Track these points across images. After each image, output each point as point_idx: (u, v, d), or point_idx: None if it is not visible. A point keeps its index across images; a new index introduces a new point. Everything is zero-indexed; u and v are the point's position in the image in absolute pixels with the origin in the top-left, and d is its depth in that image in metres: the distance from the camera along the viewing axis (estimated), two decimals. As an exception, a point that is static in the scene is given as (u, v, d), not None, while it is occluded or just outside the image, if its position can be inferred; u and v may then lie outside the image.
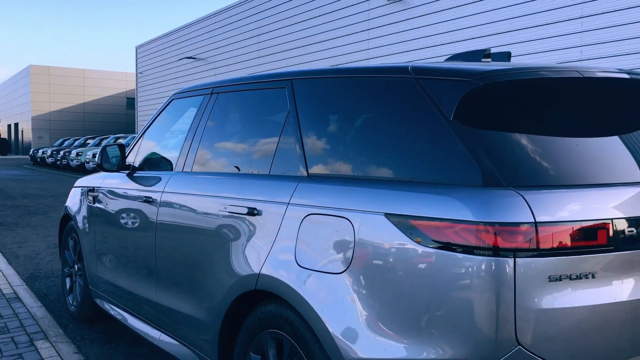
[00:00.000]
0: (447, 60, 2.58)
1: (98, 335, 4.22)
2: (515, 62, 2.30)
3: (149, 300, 3.25)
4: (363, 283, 1.87)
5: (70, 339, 4.09)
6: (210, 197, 2.71)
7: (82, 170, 23.88)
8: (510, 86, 1.90)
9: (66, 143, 32.44)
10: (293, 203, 2.22)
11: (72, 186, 4.80)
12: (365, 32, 19.78)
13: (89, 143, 28.55)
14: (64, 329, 4.31)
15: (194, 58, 29.66)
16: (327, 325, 1.93)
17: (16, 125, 58.89)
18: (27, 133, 54.31)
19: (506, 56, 2.50)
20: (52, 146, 33.69)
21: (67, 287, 4.74)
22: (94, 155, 22.91)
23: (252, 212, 2.39)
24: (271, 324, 2.23)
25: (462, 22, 16.22)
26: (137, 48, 36.65)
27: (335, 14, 20.91)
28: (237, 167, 2.74)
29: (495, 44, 15.28)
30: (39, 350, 3.80)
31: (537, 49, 14.35)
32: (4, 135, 61.89)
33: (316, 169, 2.26)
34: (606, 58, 13.05)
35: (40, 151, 32.15)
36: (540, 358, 1.60)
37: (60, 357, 3.70)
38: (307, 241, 2.11)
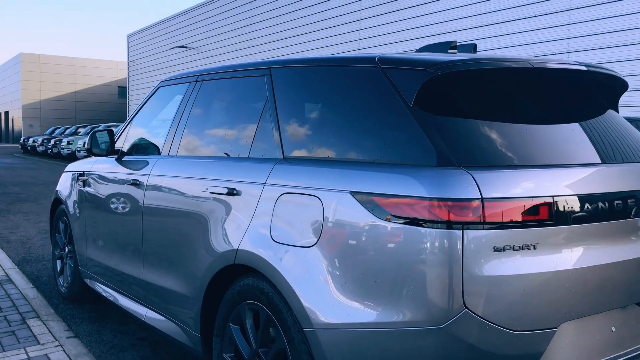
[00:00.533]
0: (417, 51, 2.74)
1: (87, 315, 4.38)
2: (480, 53, 2.46)
3: (136, 278, 3.41)
4: (330, 255, 2.05)
5: (61, 317, 4.25)
6: (193, 179, 2.87)
7: (73, 158, 23.92)
8: (465, 75, 2.07)
9: (57, 132, 32.38)
10: (269, 183, 2.38)
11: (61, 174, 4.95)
12: (356, 22, 19.89)
13: (80, 132, 28.52)
14: (54, 308, 4.46)
15: (186, 47, 29.64)
16: (297, 294, 2.10)
17: (6, 113, 58.56)
18: (17, 121, 54.04)
19: (471, 48, 2.66)
20: (43, 135, 33.60)
21: (58, 269, 4.89)
22: (85, 144, 22.94)
23: (231, 192, 2.56)
24: (248, 296, 2.40)
25: (452, 13, 16.36)
26: (128, 37, 36.52)
27: (326, 4, 20.99)
28: (219, 151, 2.90)
29: (484, 36, 15.45)
30: (31, 327, 3.96)
31: (525, 41, 14.53)
32: (-6, 124, 61.50)
33: (291, 152, 2.43)
34: (593, 50, 13.26)
35: (31, 140, 32.07)
36: (485, 320, 1.78)
37: (51, 334, 3.85)
38: (281, 218, 2.28)
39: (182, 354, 3.64)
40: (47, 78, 51.68)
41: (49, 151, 28.09)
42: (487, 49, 15.12)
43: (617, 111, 2.68)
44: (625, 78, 2.57)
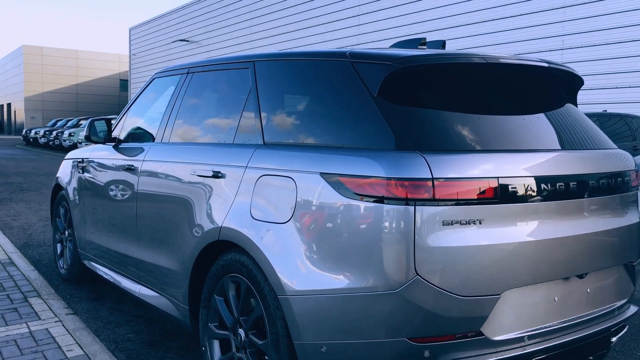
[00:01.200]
0: (391, 47, 2.96)
1: (86, 294, 4.62)
2: (443, 50, 2.68)
3: (131, 258, 3.65)
4: (302, 230, 2.27)
5: (61, 296, 4.49)
6: (183, 164, 3.10)
7: (75, 150, 24.09)
8: (423, 69, 2.29)
9: (59, 124, 32.60)
10: (250, 166, 2.61)
11: None
12: (356, 17, 20.07)
13: (82, 124, 28.73)
14: (55, 288, 4.70)
15: (187, 40, 29.83)
16: (273, 266, 2.33)
17: (9, 105, 58.80)
18: (19, 113, 54.29)
19: (440, 44, 2.87)
20: (45, 126, 33.82)
21: (58, 252, 5.13)
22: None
23: (216, 174, 2.79)
24: (231, 269, 2.63)
25: (450, 9, 16.55)
26: (130, 30, 36.71)
27: (326, -1, 21.15)
28: (206, 138, 3.13)
29: (480, 32, 15.64)
30: (32, 305, 4.20)
31: (519, 38, 14.71)
32: (-3, 116, 61.77)
33: (270, 138, 2.66)
34: (587, 47, 13.44)
35: (33, 131, 32.30)
36: (435, 285, 2.01)
37: (51, 311, 4.09)
38: (260, 197, 2.51)
39: (174, 330, 3.87)
40: (50, 70, 51.90)
41: (50, 143, 28.32)
42: (484, 45, 15.32)
43: (576, 104, 2.90)
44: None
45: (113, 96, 52.61)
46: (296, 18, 22.53)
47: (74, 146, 24.50)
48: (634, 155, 7.73)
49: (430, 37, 15.90)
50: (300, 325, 2.22)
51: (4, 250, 5.93)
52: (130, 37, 36.68)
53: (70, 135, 25.56)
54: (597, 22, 13.30)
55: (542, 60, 2.62)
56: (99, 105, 51.52)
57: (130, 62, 36.61)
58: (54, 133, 27.96)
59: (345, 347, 2.13)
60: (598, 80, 13.14)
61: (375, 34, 19.03)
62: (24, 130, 35.09)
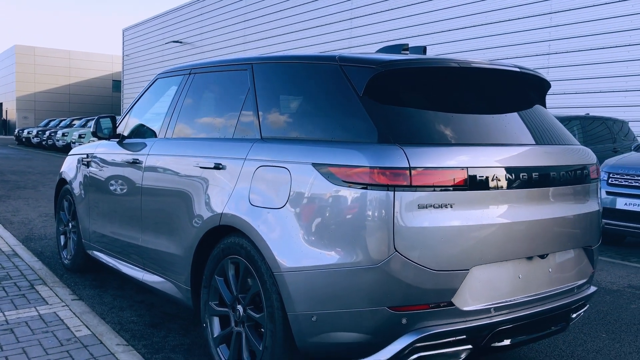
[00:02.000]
0: (377, 52, 3.26)
1: (89, 282, 4.88)
2: (423, 55, 2.98)
3: (135, 246, 3.92)
4: (295, 214, 2.56)
5: (66, 284, 4.75)
6: (186, 157, 3.38)
7: (68, 150, 24.18)
8: (404, 72, 2.59)
9: (52, 124, 32.68)
10: (249, 158, 2.90)
11: (58, 164, 5.46)
12: (348, 21, 20.40)
13: (74, 124, 28.87)
14: (59, 277, 4.96)
15: (180, 42, 30.05)
16: (269, 246, 2.61)
17: (0, 105, 58.67)
18: (11, 113, 54.18)
19: (421, 50, 3.17)
20: (38, 126, 33.89)
21: (62, 243, 5.38)
22: (80, 136, 23.30)
23: (218, 166, 3.07)
24: (231, 251, 2.91)
25: (440, 14, 16.91)
26: (124, 31, 36.86)
27: (319, 2, 21.47)
28: (208, 133, 3.42)
29: (470, 36, 16.02)
30: (39, 292, 4.46)
31: (508, 43, 15.10)
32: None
33: (267, 133, 2.94)
34: (573, 52, 13.83)
35: (26, 131, 32.36)
36: (411, 260, 2.30)
37: (58, 297, 4.35)
38: (257, 186, 2.79)
39: (174, 313, 4.14)
40: (42, 70, 51.87)
41: (43, 142, 28.42)
42: (474, 50, 15.69)
43: (544, 105, 3.20)
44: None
45: (105, 97, 52.65)
46: (290, 21, 22.83)
47: (68, 146, 24.62)
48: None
49: (420, 42, 16.28)
50: (294, 298, 2.50)
51: (7, 243, 6.17)
52: (123, 38, 36.84)
53: (63, 135, 25.69)
54: (584, 29, 13.69)
55: (514, 66, 2.92)
56: (91, 106, 51.54)
57: (124, 63, 36.76)
58: (47, 133, 28.06)
59: (333, 316, 2.42)
60: (582, 85, 13.54)
61: (367, 37, 19.36)
62: (17, 130, 35.13)
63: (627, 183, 6.40)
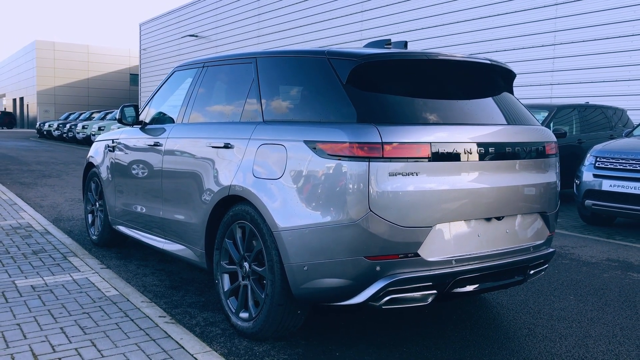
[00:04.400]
0: (364, 46, 3.75)
1: (115, 255, 5.46)
2: (410, 49, 3.47)
3: (157, 217, 4.47)
4: (290, 183, 3.07)
5: (94, 256, 5.33)
6: (200, 139, 3.91)
7: (88, 142, 25.02)
8: (380, 63, 3.09)
9: (72, 117, 33.57)
10: (253, 138, 3.42)
11: (79, 156, 6.08)
12: (359, 13, 20.82)
13: (94, 117, 29.66)
14: (88, 250, 5.54)
15: (196, 36, 30.66)
16: (269, 210, 3.13)
17: (21, 99, 59.98)
18: (32, 107, 55.43)
19: (403, 44, 3.66)
20: (58, 120, 34.80)
21: (90, 221, 5.97)
22: (99, 129, 24.04)
23: (227, 145, 3.60)
24: (238, 217, 3.44)
25: (448, 6, 17.26)
26: (141, 25, 37.57)
27: (331, -3, 21.87)
28: (218, 118, 3.94)
29: (478, 28, 16.37)
30: (72, 262, 5.03)
31: (514, 34, 15.43)
32: (9, 110, 62.97)
33: (268, 117, 3.46)
34: (578, 43, 14.14)
35: (47, 124, 33.28)
36: (383, 218, 2.80)
37: (88, 266, 4.93)
38: (259, 161, 3.31)
39: (190, 278, 4.70)
40: (61, 65, 52.99)
41: (64, 135, 29.25)
42: (478, 42, 16.04)
43: (512, 92, 3.67)
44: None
45: (123, 90, 53.66)
46: (303, 14, 23.28)
47: (88, 138, 25.40)
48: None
49: (432, 33, 16.53)
50: (289, 251, 3.02)
51: (39, 223, 6.78)
52: (140, 32, 37.56)
53: (83, 127, 26.45)
54: (589, 20, 13.99)
55: (485, 59, 3.41)
56: (109, 99, 52.58)
57: (141, 57, 37.51)
58: (68, 126, 28.88)
59: (320, 266, 2.93)
60: (587, 75, 13.86)
61: (378, 30, 19.76)
62: (38, 123, 36.07)
63: (612, 166, 6.82)
